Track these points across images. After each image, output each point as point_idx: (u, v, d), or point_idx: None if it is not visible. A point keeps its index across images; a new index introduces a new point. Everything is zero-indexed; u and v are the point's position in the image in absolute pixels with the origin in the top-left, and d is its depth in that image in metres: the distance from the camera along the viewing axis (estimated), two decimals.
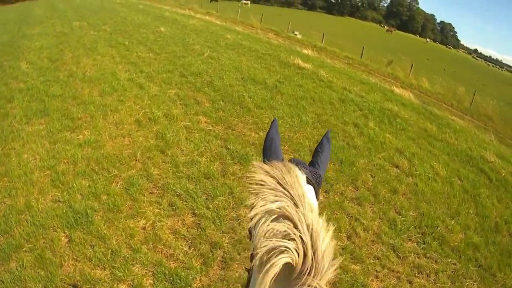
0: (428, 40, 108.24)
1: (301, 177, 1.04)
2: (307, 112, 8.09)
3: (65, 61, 9.57)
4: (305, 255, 0.80)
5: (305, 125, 7.36)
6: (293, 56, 13.44)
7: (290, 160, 1.16)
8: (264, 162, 1.12)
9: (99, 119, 6.48)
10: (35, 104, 6.93)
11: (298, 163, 1.14)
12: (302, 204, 0.89)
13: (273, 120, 1.41)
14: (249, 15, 26.81)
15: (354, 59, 18.41)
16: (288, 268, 0.82)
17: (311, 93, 9.52)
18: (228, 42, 14.32)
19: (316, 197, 1.17)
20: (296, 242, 0.81)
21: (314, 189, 1.16)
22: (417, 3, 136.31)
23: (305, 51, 15.86)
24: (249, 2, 65.33)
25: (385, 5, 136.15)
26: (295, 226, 0.84)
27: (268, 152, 1.27)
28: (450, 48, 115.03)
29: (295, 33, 24.47)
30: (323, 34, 22.06)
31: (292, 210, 0.87)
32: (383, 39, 54.11)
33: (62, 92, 7.45)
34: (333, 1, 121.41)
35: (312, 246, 0.81)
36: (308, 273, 0.79)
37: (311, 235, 0.82)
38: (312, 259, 0.80)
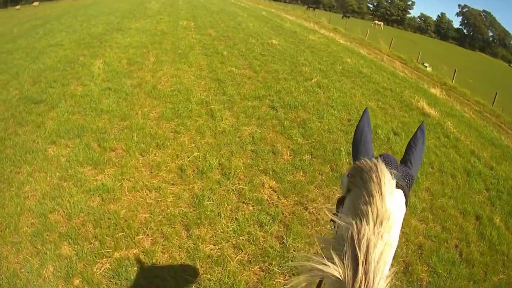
0: None
1: (390, 184, 0.94)
2: (419, 187, 5.21)
3: (143, 66, 8.29)
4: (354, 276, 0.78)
5: (411, 212, 4.52)
6: (419, 96, 10.28)
7: (380, 157, 1.13)
8: (354, 159, 1.14)
9: (134, 156, 4.69)
10: (75, 119, 5.49)
11: (388, 162, 1.10)
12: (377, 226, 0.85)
13: (364, 110, 1.30)
14: (378, 37, 23.51)
15: (485, 106, 14.19)
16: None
17: (431, 155, 6.52)
18: (346, 67, 11.75)
19: (406, 200, 1.09)
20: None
21: (404, 192, 1.08)
22: None
23: (433, 91, 12.33)
24: (382, 23, 60.96)
25: None
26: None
27: (358, 148, 1.20)
28: None
29: (424, 64, 20.63)
30: (455, 70, 17.88)
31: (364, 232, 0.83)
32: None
33: (115, 107, 5.91)
34: (466, 33, 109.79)
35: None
36: None
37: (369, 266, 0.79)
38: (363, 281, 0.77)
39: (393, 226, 0.88)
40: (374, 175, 0.93)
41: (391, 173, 0.98)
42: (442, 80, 16.72)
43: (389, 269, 0.89)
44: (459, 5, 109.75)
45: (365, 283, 0.76)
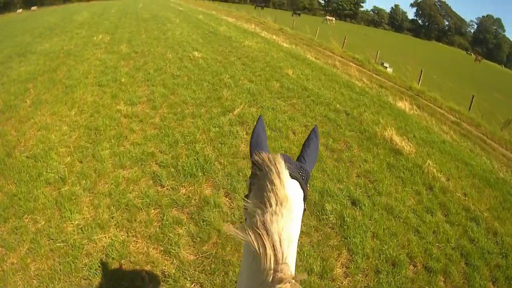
0: None
1: (286, 172, 1.05)
2: None
3: (14, 113, 6.12)
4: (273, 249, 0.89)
5: None
6: (384, 118, 7.80)
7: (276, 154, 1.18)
8: (251, 155, 1.19)
9: None
10: None
11: (284, 158, 1.13)
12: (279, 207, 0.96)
13: (258, 117, 1.39)
14: (330, 36, 20.95)
15: (462, 114, 11.58)
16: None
17: (411, 237, 4.15)
18: (286, 84, 9.06)
19: (303, 191, 1.19)
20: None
21: (300, 184, 1.18)
22: (504, 30, 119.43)
23: (400, 104, 9.84)
24: (333, 19, 59.21)
25: (472, 30, 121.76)
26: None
27: (255, 148, 1.25)
28: None
29: (384, 65, 18.28)
30: (421, 71, 15.55)
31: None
32: (473, 70, 44.11)
33: None
34: (421, 24, 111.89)
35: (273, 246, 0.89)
36: (276, 262, 0.88)
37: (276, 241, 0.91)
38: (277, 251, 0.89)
39: (292, 207, 0.99)
40: (272, 166, 1.03)
41: (286, 165, 1.07)
42: (406, 84, 14.37)
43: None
44: None
45: (273, 253, 0.88)
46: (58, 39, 14.22)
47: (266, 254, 0.87)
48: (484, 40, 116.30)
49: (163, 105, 6.86)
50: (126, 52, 11.28)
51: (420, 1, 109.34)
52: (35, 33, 16.70)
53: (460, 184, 5.72)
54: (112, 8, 29.52)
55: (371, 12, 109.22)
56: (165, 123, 6.01)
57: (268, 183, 0.99)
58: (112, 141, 5.23)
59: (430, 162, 5.96)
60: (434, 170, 5.79)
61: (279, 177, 1.00)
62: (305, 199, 1.19)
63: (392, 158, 5.95)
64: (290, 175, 1.10)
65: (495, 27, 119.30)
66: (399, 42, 59.27)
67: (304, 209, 1.20)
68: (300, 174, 1.20)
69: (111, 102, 6.88)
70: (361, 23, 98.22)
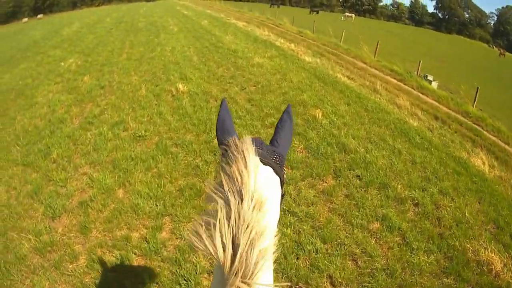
0: None
1: (254, 159, 0.91)
2: None
3: None
4: (234, 256, 0.76)
5: None
6: (469, 207, 4.41)
7: (246, 138, 1.03)
8: (219, 143, 1.07)
9: None
10: None
11: (254, 143, 0.99)
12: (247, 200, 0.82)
13: (222, 101, 1.24)
14: (356, 35, 16.94)
15: None
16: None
17: None
18: (314, 144, 5.72)
19: (280, 177, 1.05)
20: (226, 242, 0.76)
21: (274, 170, 1.03)
22: None
23: (476, 162, 6.05)
24: (353, 15, 54.81)
25: (492, 22, 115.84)
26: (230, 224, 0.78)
27: (222, 133, 1.10)
28: None
29: (428, 78, 14.52)
30: (477, 89, 11.72)
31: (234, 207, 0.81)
32: (501, 66, 39.01)
33: None
34: (441, 17, 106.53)
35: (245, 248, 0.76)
36: (235, 274, 0.75)
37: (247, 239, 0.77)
38: (240, 260, 0.75)
39: (264, 202, 0.85)
40: (239, 154, 0.90)
41: (256, 151, 0.94)
42: (461, 108, 10.73)
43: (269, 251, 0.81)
44: None
45: (239, 264, 0.74)
46: (24, 66, 12.08)
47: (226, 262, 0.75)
48: (504, 32, 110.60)
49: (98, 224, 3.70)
50: (88, 88, 8.26)
51: None
52: (6, 56, 14.65)
53: None
54: (110, 16, 26.76)
55: (391, 7, 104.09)
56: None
57: (236, 173, 0.85)
58: None
59: None
60: None
61: (246, 166, 0.86)
62: (282, 184, 1.07)
63: None
64: (262, 161, 0.98)
65: None
66: (423, 38, 54.53)
67: (283, 195, 1.09)
68: (274, 159, 1.05)
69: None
70: (381, 18, 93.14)
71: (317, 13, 51.40)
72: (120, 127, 6.08)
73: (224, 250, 0.74)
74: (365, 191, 4.55)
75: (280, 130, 1.16)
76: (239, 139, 0.97)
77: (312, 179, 4.71)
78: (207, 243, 0.75)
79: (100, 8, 46.64)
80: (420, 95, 11.61)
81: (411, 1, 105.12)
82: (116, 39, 15.18)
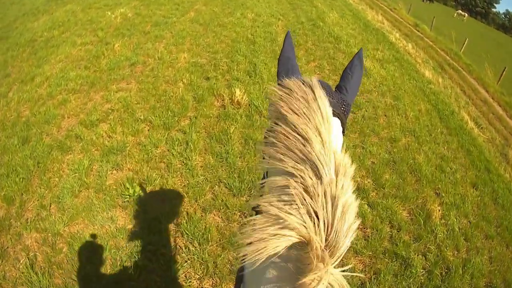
0: None
1: (328, 108, 0.75)
2: None
3: None
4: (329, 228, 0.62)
5: None
6: None
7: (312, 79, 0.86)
8: (281, 85, 0.83)
9: None
10: None
11: (322, 87, 0.81)
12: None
13: (286, 33, 1.09)
14: (474, 43, 12.55)
15: None
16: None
17: None
18: None
19: (343, 130, 0.93)
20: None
21: (341, 121, 0.92)
22: None
23: None
24: (466, 14, 47.26)
25: None
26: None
27: (285, 72, 0.96)
28: None
29: None
30: None
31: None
32: None
33: None
34: None
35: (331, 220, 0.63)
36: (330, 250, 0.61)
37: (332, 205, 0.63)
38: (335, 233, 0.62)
39: (350, 173, 0.70)
40: (313, 102, 0.74)
41: (327, 100, 0.78)
42: None
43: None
44: None
45: (333, 241, 0.62)
46: (68, 8, 9.41)
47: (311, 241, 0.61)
48: None
49: None
50: (112, 64, 5.76)
51: None
52: None
53: None
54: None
55: (503, 16, 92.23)
56: None
57: (311, 131, 0.69)
58: None
59: None
60: None
61: (323, 123, 0.71)
62: (343, 132, 0.94)
63: None
64: (332, 112, 0.79)
65: None
66: None
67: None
68: (342, 109, 0.92)
69: None
70: (492, 25, 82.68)
71: (432, 2, 45.68)
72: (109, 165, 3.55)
73: (314, 223, 0.61)
74: None
75: (350, 76, 1.01)
76: (304, 82, 0.78)
77: None
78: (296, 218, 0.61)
79: None
80: None
81: None
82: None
